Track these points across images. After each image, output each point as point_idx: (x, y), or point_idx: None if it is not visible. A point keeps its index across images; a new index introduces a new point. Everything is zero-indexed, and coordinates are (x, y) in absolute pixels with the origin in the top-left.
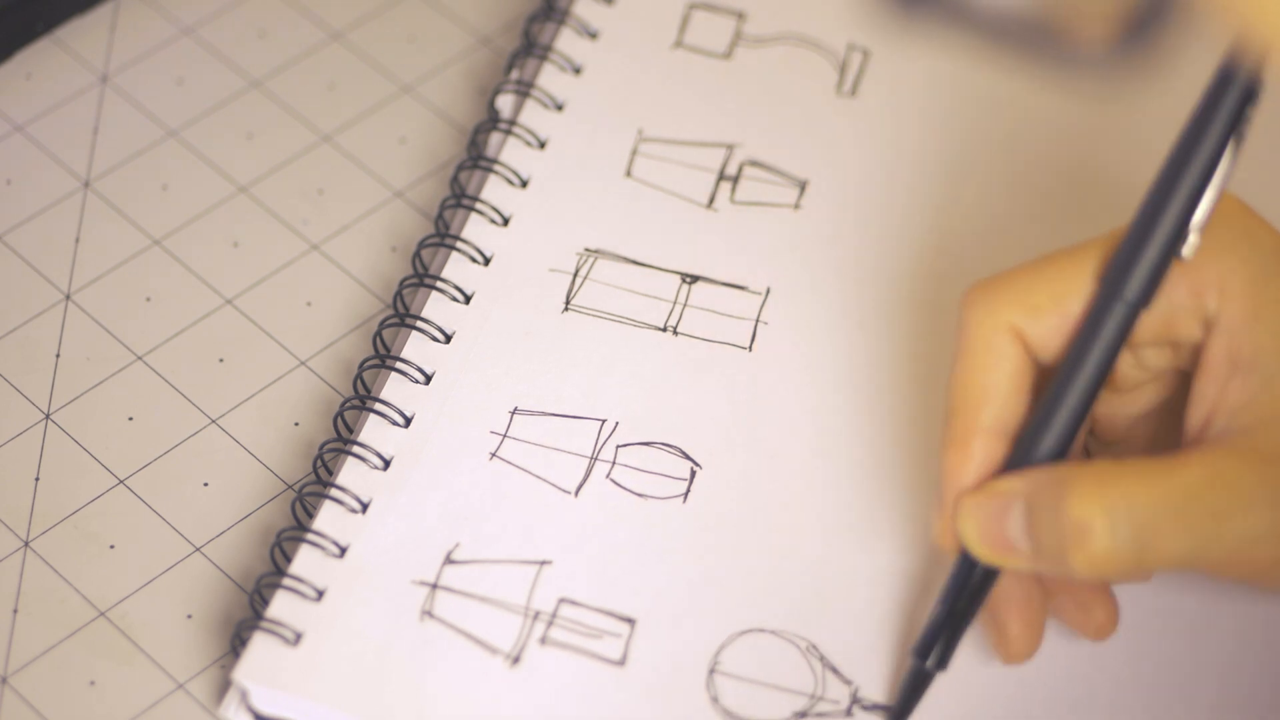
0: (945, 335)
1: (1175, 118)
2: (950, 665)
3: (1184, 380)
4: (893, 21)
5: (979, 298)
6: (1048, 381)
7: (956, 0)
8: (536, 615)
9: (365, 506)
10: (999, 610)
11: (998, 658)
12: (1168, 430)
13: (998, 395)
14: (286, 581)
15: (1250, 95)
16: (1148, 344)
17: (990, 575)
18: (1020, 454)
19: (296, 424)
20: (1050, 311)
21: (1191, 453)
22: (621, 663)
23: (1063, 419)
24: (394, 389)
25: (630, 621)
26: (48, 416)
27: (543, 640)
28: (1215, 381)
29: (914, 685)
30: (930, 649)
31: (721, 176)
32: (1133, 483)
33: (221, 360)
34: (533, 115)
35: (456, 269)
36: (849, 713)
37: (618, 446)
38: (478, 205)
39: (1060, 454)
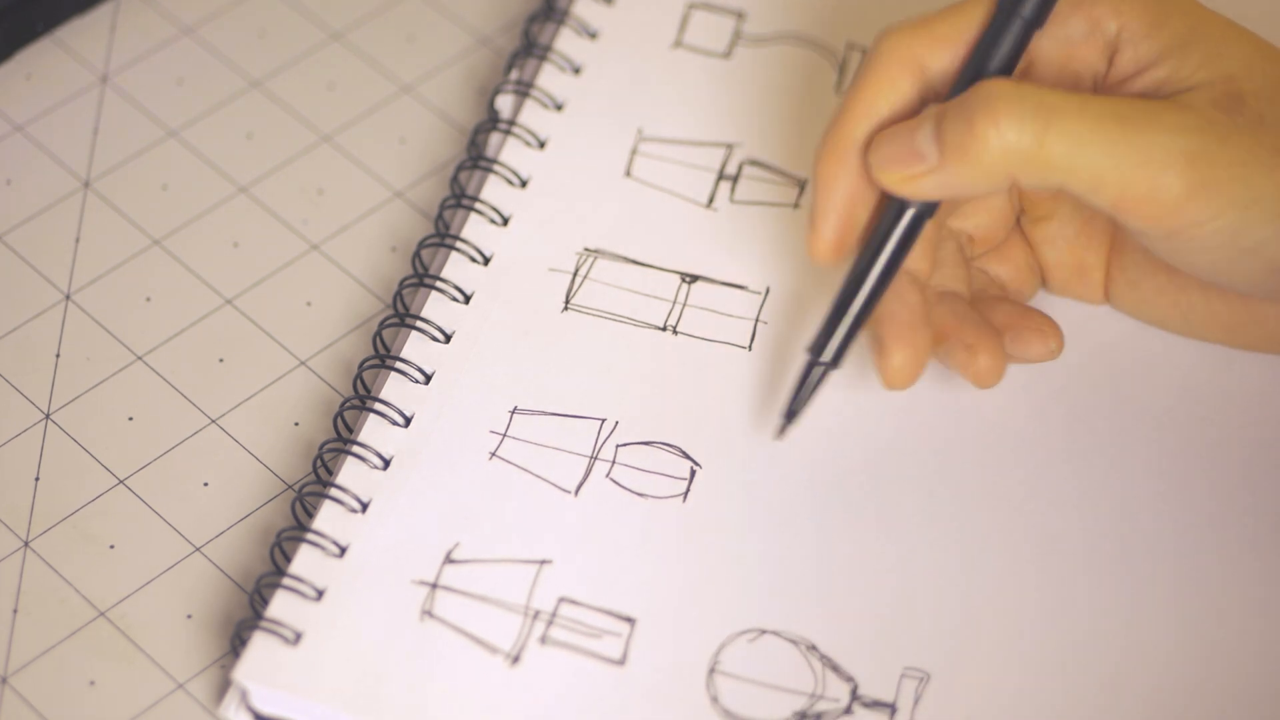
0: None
1: None
2: (842, 363)
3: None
4: None
5: (890, 29)
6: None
7: None
8: (536, 615)
9: (365, 506)
10: (884, 331)
11: (879, 379)
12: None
13: (881, 118)
14: (286, 581)
15: None
16: (1050, 80)
17: (882, 277)
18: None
19: (296, 424)
20: (951, 40)
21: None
22: (621, 662)
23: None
24: (394, 389)
25: (630, 621)
26: (48, 416)
27: (543, 640)
28: (1124, 87)
29: (806, 379)
30: (823, 346)
31: (721, 176)
32: (1044, 86)
33: (221, 360)
34: (532, 115)
35: (456, 269)
36: (849, 710)
37: (617, 446)
38: (478, 205)
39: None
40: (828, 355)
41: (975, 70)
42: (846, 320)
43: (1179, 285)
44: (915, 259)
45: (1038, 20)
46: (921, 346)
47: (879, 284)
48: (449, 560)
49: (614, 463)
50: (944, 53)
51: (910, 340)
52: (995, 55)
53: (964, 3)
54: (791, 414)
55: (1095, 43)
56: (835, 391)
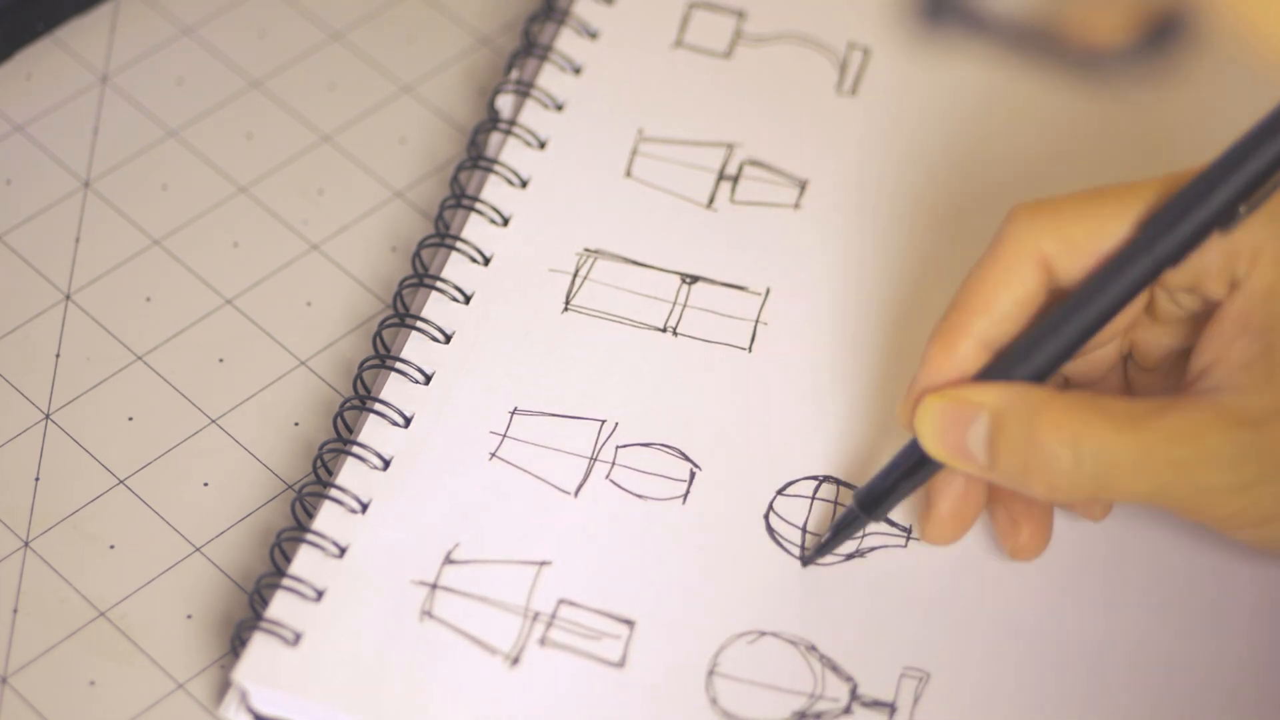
0: None
1: (1185, 123)
2: (881, 519)
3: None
4: (917, 31)
5: (1021, 216)
6: (1053, 306)
7: (977, 11)
8: (536, 616)
9: (365, 507)
10: (934, 489)
11: (918, 532)
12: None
13: (1000, 311)
14: (286, 582)
15: None
16: (1177, 289)
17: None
18: (1000, 367)
19: (296, 424)
20: (1083, 248)
21: (1171, 404)
22: (621, 664)
23: (1054, 344)
24: (394, 389)
25: (629, 623)
26: (48, 416)
27: (542, 641)
28: (1221, 337)
29: (845, 525)
30: (874, 506)
31: (721, 176)
32: (1104, 423)
33: (221, 360)
34: (533, 115)
35: (456, 269)
36: (848, 710)
37: (617, 447)
38: (478, 205)
39: (1039, 378)
40: (877, 514)
41: (1086, 296)
42: (903, 488)
43: None
44: None
45: (1172, 261)
46: (966, 515)
47: (936, 464)
48: (449, 561)
49: (614, 464)
50: (1075, 256)
51: (957, 508)
52: (1115, 285)
53: (1105, 200)
54: (823, 550)
55: (1224, 277)
56: (834, 394)
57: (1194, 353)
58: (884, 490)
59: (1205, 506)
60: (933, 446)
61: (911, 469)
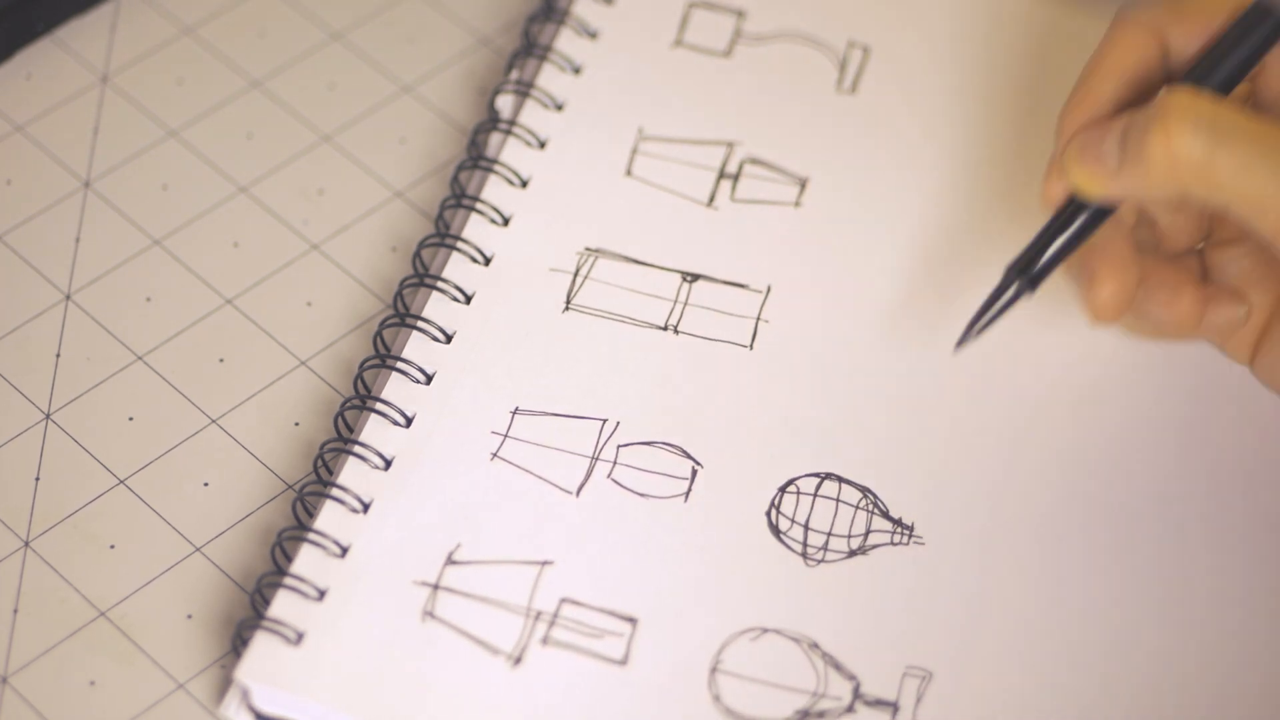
0: (945, 334)
1: None
2: (1038, 288)
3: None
4: None
5: (1128, 6)
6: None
7: None
8: (538, 615)
9: (366, 506)
10: (1096, 262)
11: (1085, 313)
12: None
13: (1124, 76)
14: (288, 581)
15: None
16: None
17: (1094, 215)
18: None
19: (297, 424)
20: (1195, 18)
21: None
22: (623, 662)
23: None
24: (395, 389)
25: (632, 621)
26: (48, 416)
27: (544, 640)
28: None
29: (999, 296)
30: (1029, 266)
31: (722, 175)
32: (1228, 104)
33: (221, 360)
34: (533, 115)
35: (457, 269)
36: (851, 709)
37: (619, 446)
38: (478, 205)
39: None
40: (1034, 277)
41: (1213, 60)
42: (1058, 244)
43: None
44: (1124, 209)
45: None
46: (1130, 282)
47: (1093, 218)
48: (450, 561)
49: (615, 463)
50: (1188, 31)
51: (1121, 273)
52: (1238, 50)
53: None
54: (977, 328)
55: None
56: (836, 392)
57: (1264, 81)
58: (1038, 252)
59: None
60: (1074, 166)
61: (1060, 228)
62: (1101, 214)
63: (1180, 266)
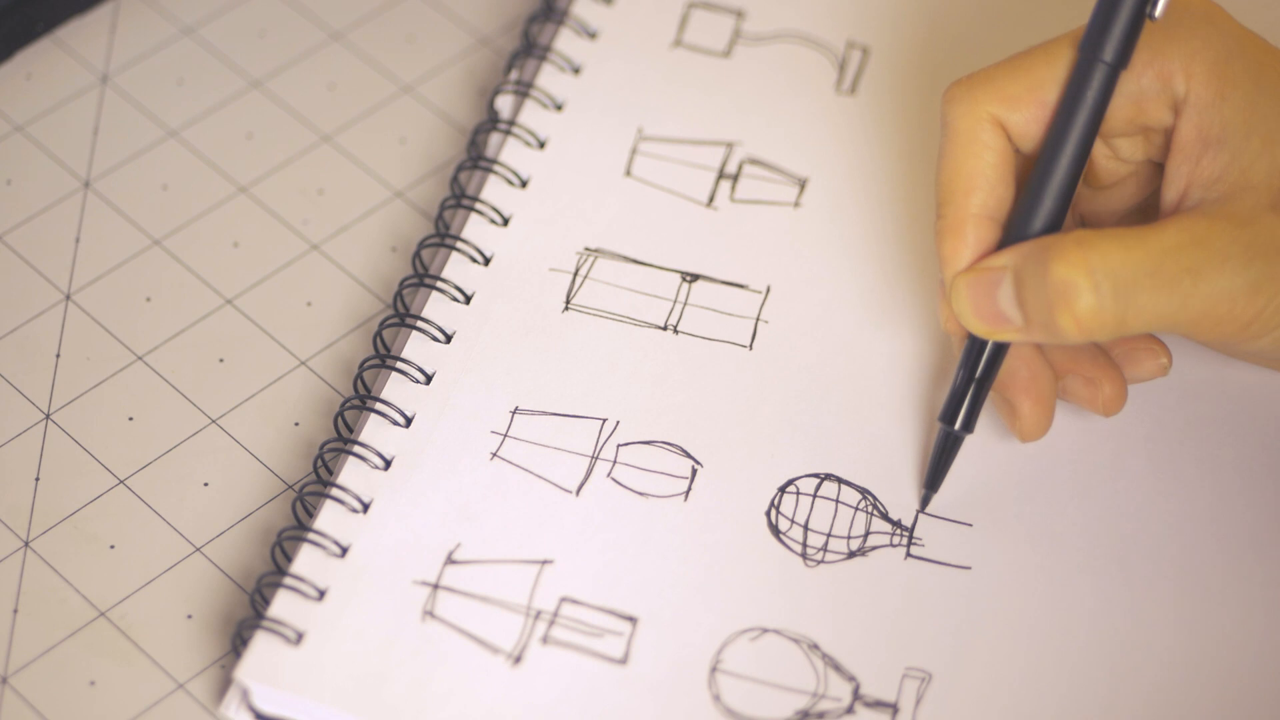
0: (945, 334)
1: None
2: (974, 428)
3: (1158, 173)
4: None
5: (959, 93)
6: (1032, 165)
7: None
8: (538, 614)
9: (366, 506)
10: (1009, 391)
11: (1015, 436)
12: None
13: (984, 182)
14: (288, 581)
15: None
16: (1120, 134)
17: (1000, 345)
18: (1011, 235)
19: (296, 424)
20: (1028, 100)
21: (1168, 220)
22: (623, 661)
23: (1051, 193)
24: (394, 389)
25: (632, 620)
26: (48, 416)
27: (544, 639)
28: (1188, 160)
29: (944, 449)
30: (955, 415)
31: (721, 175)
32: (1113, 246)
33: (221, 360)
34: (532, 115)
35: (456, 269)
36: (851, 710)
37: (619, 445)
38: (478, 205)
39: (1051, 231)
40: (960, 424)
41: (1060, 130)
42: (977, 392)
43: None
44: None
45: (1121, 62)
46: (1047, 396)
47: (995, 353)
48: (450, 560)
49: (615, 462)
50: (1023, 111)
51: (1035, 393)
52: (1081, 108)
53: (1032, 56)
54: (932, 484)
55: (1164, 100)
56: (836, 392)
57: (1164, 187)
58: (959, 399)
59: (1225, 313)
60: (972, 322)
61: (973, 366)
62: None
63: (1094, 352)
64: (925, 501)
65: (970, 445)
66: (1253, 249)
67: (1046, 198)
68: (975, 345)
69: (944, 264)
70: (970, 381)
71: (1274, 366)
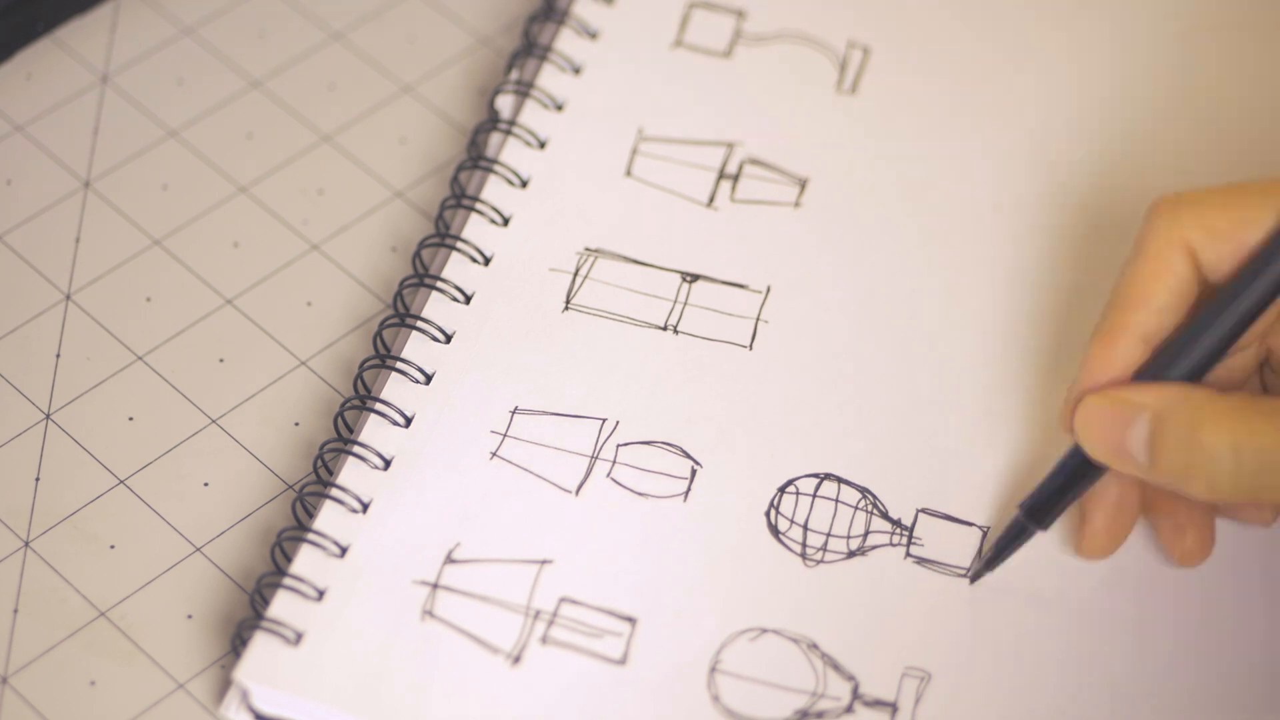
0: (945, 333)
1: None
2: (1050, 527)
3: None
4: None
5: (1164, 209)
6: (1208, 298)
7: None
8: (537, 614)
9: (366, 506)
10: (1088, 503)
11: (1074, 547)
12: None
13: (1156, 303)
14: (287, 581)
15: None
16: None
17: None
18: (1158, 365)
19: (296, 424)
20: (1228, 237)
21: None
22: (623, 661)
23: (1209, 340)
24: (394, 389)
25: (631, 620)
26: (48, 416)
27: (544, 639)
28: None
29: (1013, 536)
30: (1038, 510)
31: (722, 175)
32: (1265, 424)
33: (221, 360)
34: (533, 115)
35: (456, 269)
36: (850, 709)
37: (618, 445)
38: (478, 205)
39: (1196, 375)
40: (1044, 521)
41: (1247, 280)
42: (1068, 495)
43: None
44: None
45: None
46: (1124, 523)
47: (1099, 471)
48: (450, 560)
49: (615, 462)
50: (1220, 245)
51: (1116, 516)
52: (1276, 263)
53: (1247, 192)
54: (990, 565)
55: None
56: (835, 392)
57: None
58: (1049, 497)
59: None
60: (1094, 448)
61: (1074, 474)
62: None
63: (1193, 503)
64: (975, 576)
65: (972, 445)
66: None
67: (1203, 343)
68: (1078, 455)
69: (1085, 366)
70: (1063, 488)
71: None
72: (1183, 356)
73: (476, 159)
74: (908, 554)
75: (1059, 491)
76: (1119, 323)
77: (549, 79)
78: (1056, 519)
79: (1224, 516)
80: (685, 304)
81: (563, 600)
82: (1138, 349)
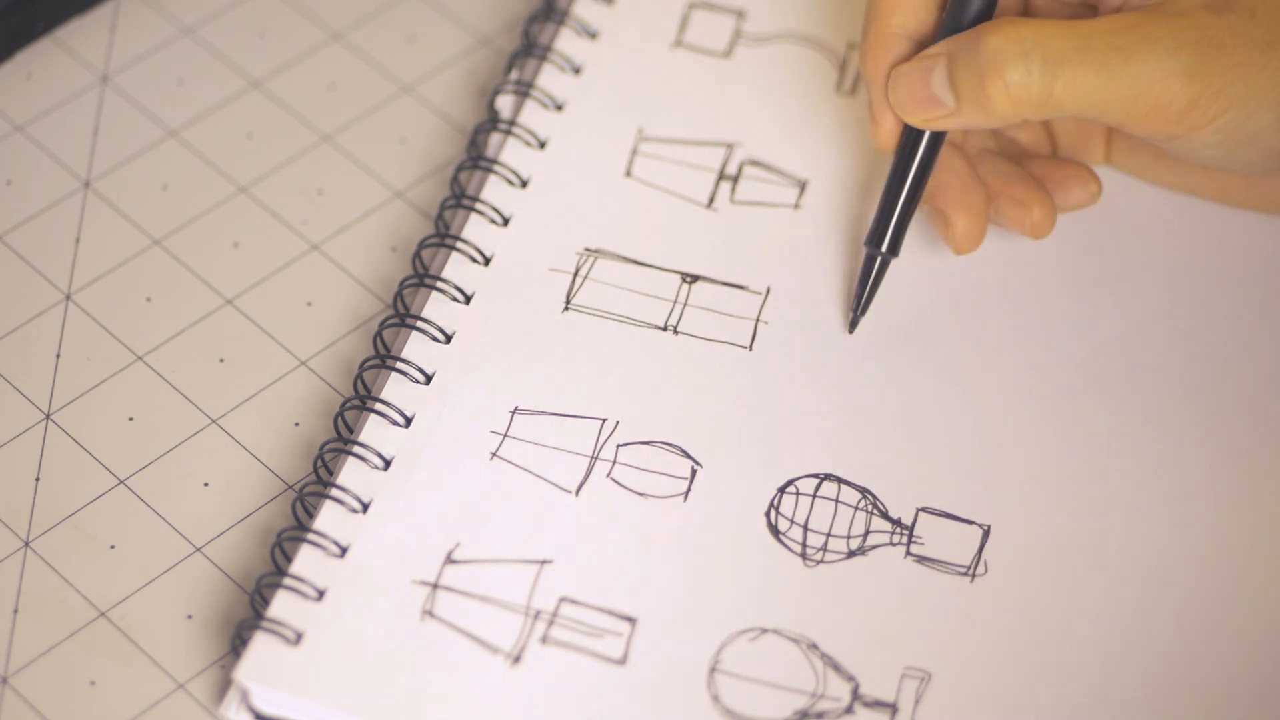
0: (944, 335)
1: None
2: (899, 250)
3: None
4: None
5: None
6: None
7: None
8: (537, 614)
9: (366, 506)
10: (941, 203)
11: (949, 248)
12: None
13: (907, 4)
14: (287, 581)
15: None
16: None
17: (926, 159)
18: (945, 32)
19: (296, 424)
20: None
21: (1103, 14)
22: (622, 662)
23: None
24: (394, 389)
25: (631, 620)
26: (48, 416)
27: (543, 639)
28: None
29: (869, 271)
30: (881, 237)
31: (721, 176)
32: (1045, 25)
33: (221, 360)
34: (533, 115)
35: (456, 269)
36: (850, 709)
37: (618, 446)
38: (478, 205)
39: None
40: (886, 245)
41: None
42: (898, 208)
43: (1175, 159)
44: (952, 131)
45: None
46: (980, 208)
47: (921, 171)
48: (450, 560)
49: (615, 462)
50: None
51: (968, 204)
52: None
53: None
54: (860, 307)
55: None
56: (835, 392)
57: None
58: (886, 221)
59: (1157, 100)
60: (906, 110)
61: (902, 192)
62: (936, 142)
63: (1025, 176)
64: (853, 324)
65: (972, 445)
66: (1182, 37)
67: (971, 3)
68: (901, 162)
69: (868, 80)
70: (895, 201)
71: (1220, 165)
72: (961, 13)
73: (476, 159)
74: (908, 553)
75: (891, 208)
76: (880, 30)
77: (549, 79)
78: (902, 240)
79: (1064, 208)
80: (685, 304)
81: (562, 600)
82: (905, 47)
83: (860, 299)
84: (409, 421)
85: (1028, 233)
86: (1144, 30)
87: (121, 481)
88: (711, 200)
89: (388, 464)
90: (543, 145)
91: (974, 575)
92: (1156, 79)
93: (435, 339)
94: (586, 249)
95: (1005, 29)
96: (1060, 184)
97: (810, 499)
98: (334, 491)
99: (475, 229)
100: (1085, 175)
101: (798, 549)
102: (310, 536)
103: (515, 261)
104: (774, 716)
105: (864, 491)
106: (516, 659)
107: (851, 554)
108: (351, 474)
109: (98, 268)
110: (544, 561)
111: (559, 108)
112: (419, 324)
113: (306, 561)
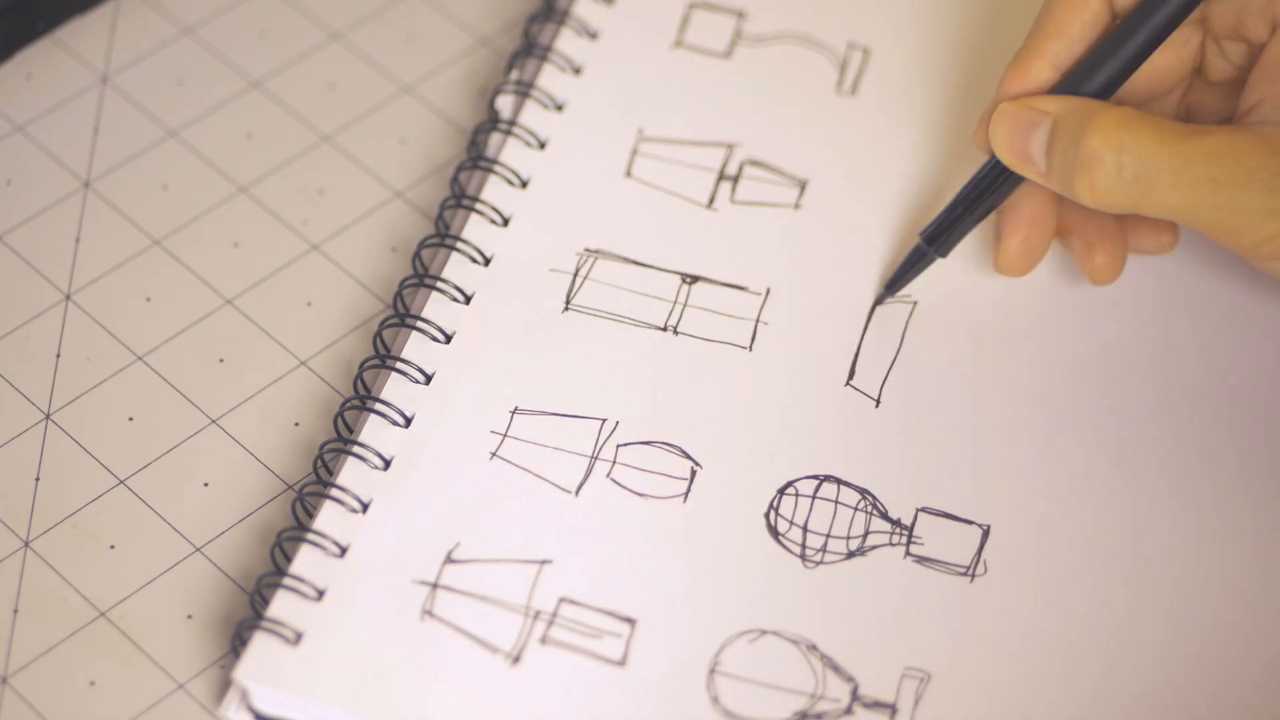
0: (943, 336)
1: None
2: (949, 254)
3: None
4: None
5: None
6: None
7: None
8: (537, 615)
9: (366, 506)
10: (1005, 223)
11: (993, 265)
12: None
13: (1069, 34)
14: (287, 581)
15: None
16: (1225, 37)
17: (1007, 183)
18: (1067, 83)
19: (296, 424)
20: None
21: (1218, 128)
22: (622, 662)
23: (1114, 59)
24: (394, 389)
25: (631, 621)
26: (48, 416)
27: (543, 640)
28: (1266, 77)
29: (913, 261)
30: (937, 236)
31: (722, 176)
32: (1150, 134)
33: (221, 360)
34: (533, 115)
35: (456, 269)
36: (849, 710)
37: (618, 446)
38: (478, 205)
39: (1102, 95)
40: (938, 246)
41: (1149, 7)
42: (966, 218)
43: None
44: None
45: None
46: (1038, 241)
47: (1001, 190)
48: (449, 560)
49: (614, 462)
50: None
51: (1026, 232)
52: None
53: None
54: (893, 287)
55: (1264, 17)
56: (835, 394)
57: (1243, 92)
58: (949, 223)
59: (1237, 228)
60: (1002, 151)
61: (974, 202)
62: (1016, 178)
63: (1103, 223)
64: (880, 299)
65: (972, 445)
66: None
67: (1109, 62)
68: (984, 176)
69: (999, 87)
70: (966, 209)
71: None
72: (1090, 75)
73: (476, 159)
74: (907, 553)
75: (959, 218)
76: (1035, 49)
77: (549, 79)
78: (955, 245)
79: (1133, 251)
80: (685, 305)
81: (562, 600)
82: (1050, 73)
83: (894, 281)
84: (409, 421)
85: (1088, 276)
86: (1245, 163)
87: (121, 481)
88: (711, 200)
89: (387, 464)
90: (543, 145)
91: (974, 575)
92: (1239, 214)
93: (435, 339)
94: (586, 249)
95: (1109, 132)
96: (1132, 225)
97: (810, 500)
98: (334, 491)
99: (475, 229)
100: (1159, 226)
101: (797, 550)
102: (310, 536)
103: (515, 262)
104: (773, 717)
105: (863, 492)
106: (516, 659)
107: (851, 555)
108: (351, 474)
109: (98, 268)
110: (544, 561)
111: (559, 108)
112: (419, 324)
113: (306, 561)
